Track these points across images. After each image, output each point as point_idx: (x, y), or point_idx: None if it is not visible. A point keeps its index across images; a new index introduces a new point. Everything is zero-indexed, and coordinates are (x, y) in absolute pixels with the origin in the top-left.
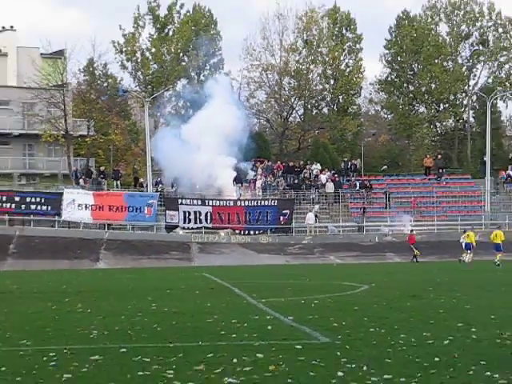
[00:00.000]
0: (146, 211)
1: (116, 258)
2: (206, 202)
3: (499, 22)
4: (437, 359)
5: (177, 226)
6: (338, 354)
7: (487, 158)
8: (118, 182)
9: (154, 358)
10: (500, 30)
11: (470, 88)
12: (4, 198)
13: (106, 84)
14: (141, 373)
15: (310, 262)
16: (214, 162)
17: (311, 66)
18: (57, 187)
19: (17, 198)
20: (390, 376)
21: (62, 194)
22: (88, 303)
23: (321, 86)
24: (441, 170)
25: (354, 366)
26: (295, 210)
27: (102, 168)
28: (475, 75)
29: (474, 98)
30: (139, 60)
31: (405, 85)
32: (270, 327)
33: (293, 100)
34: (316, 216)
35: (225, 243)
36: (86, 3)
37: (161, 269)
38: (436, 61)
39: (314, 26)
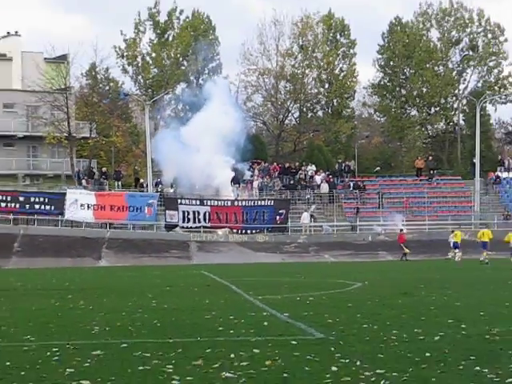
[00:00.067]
0: (146, 211)
1: (117, 257)
2: (205, 202)
3: (488, 28)
4: (428, 354)
5: (176, 226)
6: (332, 349)
7: (477, 160)
8: (120, 183)
9: (154, 353)
10: (489, 35)
11: (460, 92)
12: (9, 198)
13: (107, 88)
14: (141, 367)
15: (306, 260)
16: (212, 162)
17: (306, 71)
18: (60, 187)
19: (21, 198)
20: (382, 371)
21: (65, 194)
22: (90, 300)
23: (316, 90)
24: (432, 172)
25: (347, 360)
26: (291, 209)
27: (103, 169)
28: (465, 79)
29: (464, 101)
30: (140, 64)
31: (397, 89)
32: (266, 323)
33: (289, 103)
34: (312, 216)
35: (223, 242)
36: (88, 10)
37: (161, 267)
38: (427, 65)
39: (310, 32)
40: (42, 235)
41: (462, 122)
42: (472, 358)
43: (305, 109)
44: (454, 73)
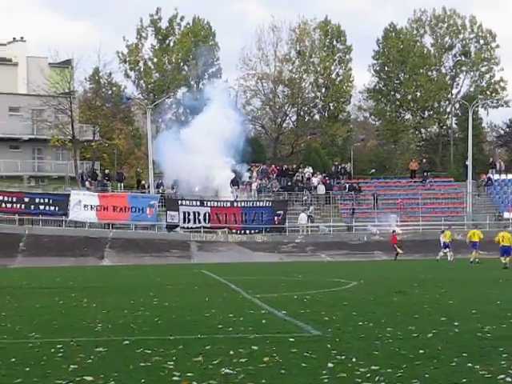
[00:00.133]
0: (148, 211)
1: (120, 256)
2: (205, 203)
3: (480, 34)
4: (421, 351)
5: (177, 226)
6: (329, 346)
7: (469, 162)
8: (122, 184)
9: (155, 350)
10: (481, 41)
11: (453, 96)
12: (14, 199)
13: (110, 92)
14: (143, 364)
15: (303, 259)
16: (212, 163)
17: (304, 75)
18: (64, 189)
19: (26, 199)
20: (377, 367)
21: (68, 195)
22: (93, 298)
23: (313, 94)
24: (425, 174)
25: (343, 357)
26: (288, 210)
27: (106, 171)
28: (458, 84)
29: (457, 105)
30: (142, 69)
31: (392, 93)
32: (264, 321)
33: (286, 107)
34: (310, 217)
35: (222, 242)
36: (92, 17)
37: (162, 266)
38: (421, 70)
39: (307, 38)
40: (46, 235)
41: (454, 125)
42: (464, 354)
43: (302, 112)
44: (447, 78)
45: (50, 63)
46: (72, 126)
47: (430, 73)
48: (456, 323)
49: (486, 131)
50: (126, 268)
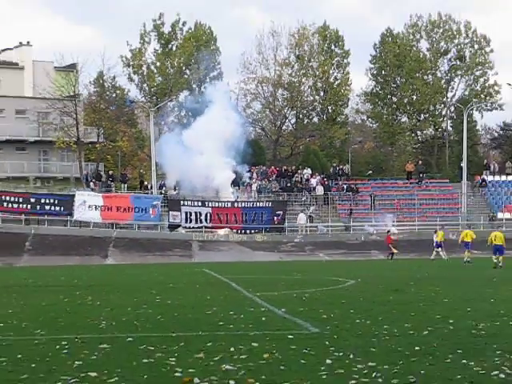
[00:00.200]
0: (150, 212)
1: (123, 255)
2: (206, 203)
3: (475, 39)
4: (417, 348)
5: (179, 226)
6: (327, 343)
7: (464, 164)
8: (125, 185)
9: (157, 347)
10: (476, 46)
11: (448, 100)
12: (21, 200)
13: (114, 95)
14: (146, 360)
15: (302, 258)
16: (213, 164)
17: (303, 79)
18: (69, 189)
19: (32, 200)
20: (374, 364)
21: (73, 195)
22: (97, 296)
23: (311, 98)
24: (421, 175)
25: (341, 354)
26: (288, 211)
27: (110, 172)
28: (453, 88)
29: (452, 108)
30: (145, 73)
31: (388, 96)
32: (264, 318)
33: (286, 110)
34: (311, 217)
35: (223, 241)
36: (97, 22)
37: (164, 265)
38: (417, 74)
39: (306, 43)
40: (51, 235)
41: (449, 128)
42: (459, 351)
43: (301, 115)
44: (443, 81)
45: (55, 67)
46: (77, 129)
47: (425, 77)
48: (451, 321)
49: (481, 134)
50: (130, 267)
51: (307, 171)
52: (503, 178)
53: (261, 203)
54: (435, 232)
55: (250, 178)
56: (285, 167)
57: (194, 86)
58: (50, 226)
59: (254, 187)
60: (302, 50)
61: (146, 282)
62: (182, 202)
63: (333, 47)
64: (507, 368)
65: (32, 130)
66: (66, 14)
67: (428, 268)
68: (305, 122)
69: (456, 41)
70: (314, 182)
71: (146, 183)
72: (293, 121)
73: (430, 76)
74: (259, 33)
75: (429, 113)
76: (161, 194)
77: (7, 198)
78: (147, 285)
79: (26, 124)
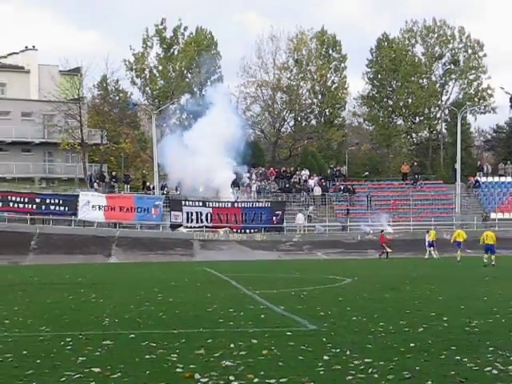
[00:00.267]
0: (153, 212)
1: (126, 254)
2: (207, 203)
3: (469, 44)
4: (412, 345)
5: (180, 225)
6: (324, 339)
7: (458, 166)
8: (128, 186)
9: (159, 343)
10: (469, 51)
11: (443, 103)
12: (26, 200)
13: (117, 98)
14: (148, 356)
15: (300, 257)
16: (213, 163)
17: (301, 83)
18: (73, 190)
19: (37, 200)
20: (370, 360)
21: (78, 196)
22: (101, 294)
23: (309, 101)
24: (416, 176)
25: (338, 350)
26: (286, 211)
27: (113, 173)
28: (447, 91)
29: (446, 111)
30: (147, 76)
31: (384, 100)
32: (263, 316)
33: (284, 113)
34: (310, 217)
35: (223, 240)
36: (100, 26)
37: (166, 263)
38: (412, 78)
39: (304, 47)
40: (56, 234)
41: (444, 130)
42: (453, 348)
43: (299, 118)
44: (437, 85)
45: (60, 71)
46: (81, 131)
47: (420, 80)
48: (445, 318)
49: (474, 136)
50: (132, 265)
51: (305, 172)
52: (496, 179)
53: (260, 203)
54: (427, 232)
55: (250, 179)
56: (283, 168)
57: (195, 89)
58: (54, 226)
59: (253, 188)
60: (300, 54)
61: (148, 280)
62: (183, 202)
63: (330, 52)
64: (500, 364)
65: (37, 131)
66: (71, 19)
67: (422, 267)
68: (303, 125)
69: (450, 45)
70: (311, 182)
71: (148, 184)
72: (291, 123)
73: (425, 80)
74: (259, 37)
75: (424, 116)
76: (163, 194)
77: (13, 198)
78: (149, 283)
79: (31, 126)
